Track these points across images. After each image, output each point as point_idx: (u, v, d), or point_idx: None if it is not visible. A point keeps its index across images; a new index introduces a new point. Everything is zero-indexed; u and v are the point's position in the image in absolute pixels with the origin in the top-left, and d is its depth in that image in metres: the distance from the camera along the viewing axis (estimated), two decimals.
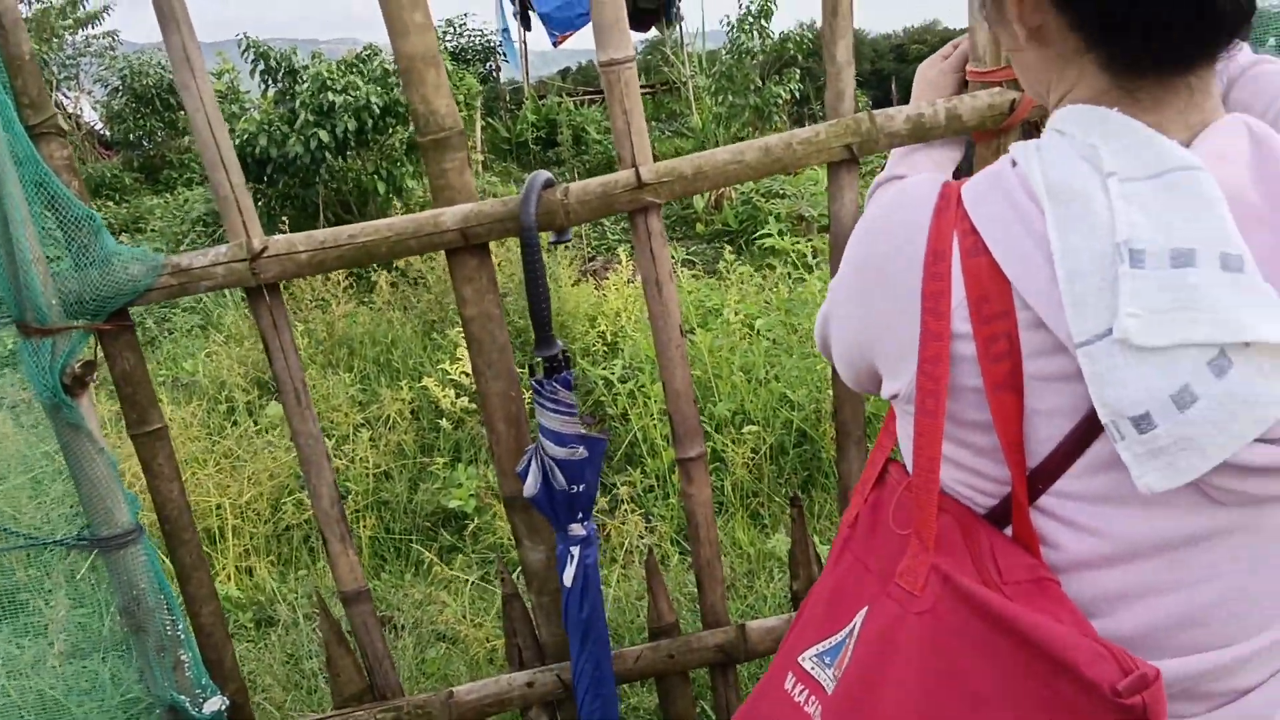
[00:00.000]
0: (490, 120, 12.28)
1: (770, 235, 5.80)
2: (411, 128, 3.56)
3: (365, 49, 7.61)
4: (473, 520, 3.31)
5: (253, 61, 7.61)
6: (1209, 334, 0.62)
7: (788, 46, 10.25)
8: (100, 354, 1.56)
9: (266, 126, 6.89)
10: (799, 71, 9.84)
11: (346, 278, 5.57)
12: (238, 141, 6.67)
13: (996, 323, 0.71)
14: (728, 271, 5.10)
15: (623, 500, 3.17)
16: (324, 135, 6.77)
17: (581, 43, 14.84)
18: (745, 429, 3.45)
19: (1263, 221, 0.66)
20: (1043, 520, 0.75)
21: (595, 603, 1.66)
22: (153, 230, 8.50)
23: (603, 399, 3.95)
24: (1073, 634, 0.69)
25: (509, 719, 2.14)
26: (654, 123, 12.82)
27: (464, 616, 2.77)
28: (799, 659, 0.91)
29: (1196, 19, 0.67)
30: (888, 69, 20.74)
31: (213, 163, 1.51)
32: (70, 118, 12.65)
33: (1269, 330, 0.62)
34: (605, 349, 4.47)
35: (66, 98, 13.52)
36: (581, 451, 1.55)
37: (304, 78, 7.26)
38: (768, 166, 1.54)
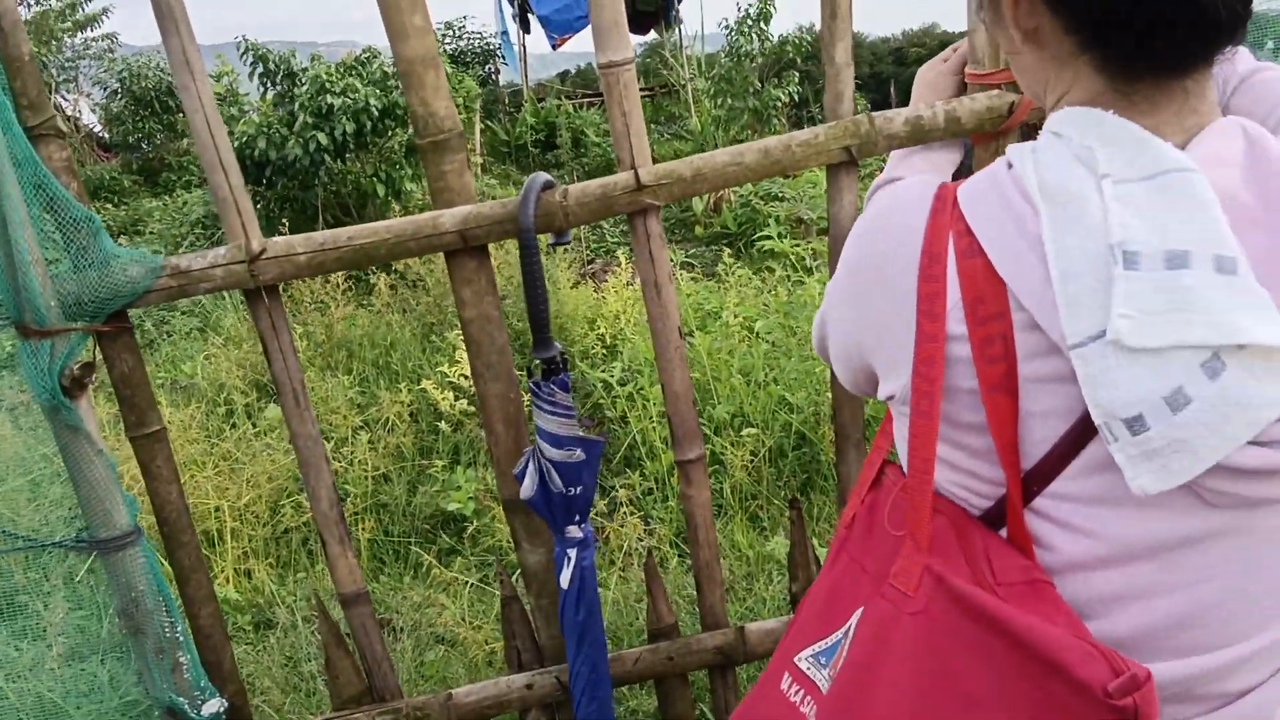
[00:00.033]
0: (489, 123, 12.29)
1: (769, 238, 5.80)
2: (410, 130, 3.57)
3: (364, 51, 7.62)
4: (472, 523, 3.31)
5: (251, 64, 7.62)
6: (1202, 336, 0.63)
7: (786, 49, 10.27)
8: (99, 356, 1.56)
9: (265, 129, 6.90)
10: (798, 74, 9.86)
11: (345, 280, 5.56)
12: (236, 144, 6.67)
13: (991, 324, 0.72)
14: (727, 274, 5.10)
15: (622, 503, 3.17)
16: (323, 138, 6.78)
17: (580, 45, 14.87)
18: (744, 431, 3.45)
19: (1257, 223, 0.67)
20: (1037, 522, 0.75)
21: (592, 605, 1.66)
22: (151, 232, 8.50)
23: (602, 401, 3.95)
24: (1065, 635, 0.69)
25: None
26: (653, 125, 12.82)
27: (463, 619, 2.77)
28: (795, 659, 0.91)
29: (1189, 23, 0.68)
30: (886, 72, 20.74)
31: (212, 165, 1.52)
32: (69, 120, 12.65)
33: (1263, 332, 0.62)
34: (604, 351, 4.47)
35: (65, 100, 13.53)
36: (579, 454, 1.55)
37: (303, 80, 7.26)
38: (766, 169, 1.54)
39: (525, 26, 14.27)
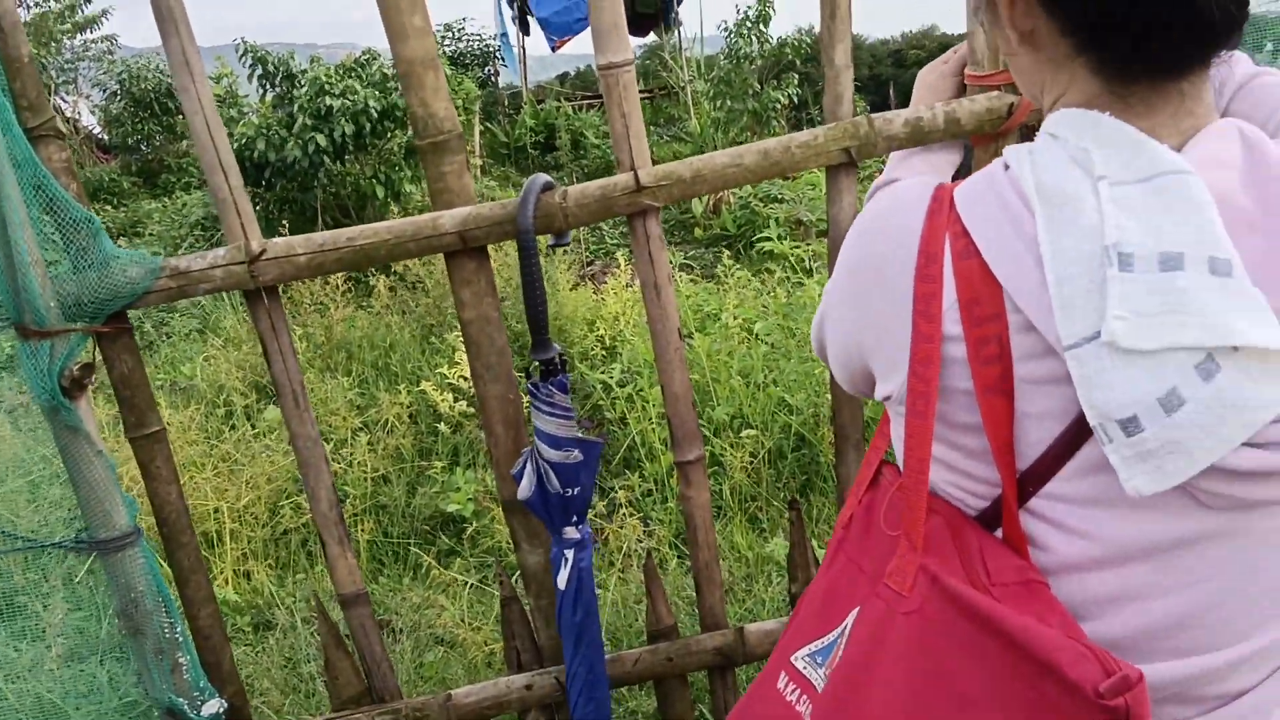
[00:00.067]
0: (489, 125, 12.29)
1: (769, 239, 5.80)
2: (410, 132, 3.57)
3: (363, 53, 7.62)
4: (471, 524, 3.31)
5: (251, 66, 7.62)
6: (1197, 338, 0.63)
7: (786, 51, 10.27)
8: (99, 357, 1.56)
9: (265, 130, 6.90)
10: (797, 76, 9.86)
11: (345, 281, 5.57)
12: (236, 145, 6.67)
13: (987, 325, 0.72)
14: (726, 276, 5.10)
15: (621, 504, 3.17)
16: (322, 139, 6.78)
17: (580, 47, 14.86)
18: (744, 433, 3.45)
19: (1253, 226, 0.67)
20: (1032, 523, 0.76)
21: (589, 606, 1.67)
22: (151, 234, 8.50)
23: (601, 403, 3.95)
24: (1057, 636, 0.69)
25: None
26: (652, 127, 12.82)
27: (462, 620, 2.77)
28: (792, 658, 0.91)
29: (1185, 25, 0.68)
30: (886, 74, 20.73)
31: (211, 166, 1.52)
32: (68, 121, 12.66)
33: (1257, 335, 0.62)
34: (604, 353, 4.48)
35: (65, 101, 13.53)
36: (576, 455, 1.56)
37: (302, 82, 7.27)
38: (766, 170, 1.55)
39: (525, 28, 14.28)
